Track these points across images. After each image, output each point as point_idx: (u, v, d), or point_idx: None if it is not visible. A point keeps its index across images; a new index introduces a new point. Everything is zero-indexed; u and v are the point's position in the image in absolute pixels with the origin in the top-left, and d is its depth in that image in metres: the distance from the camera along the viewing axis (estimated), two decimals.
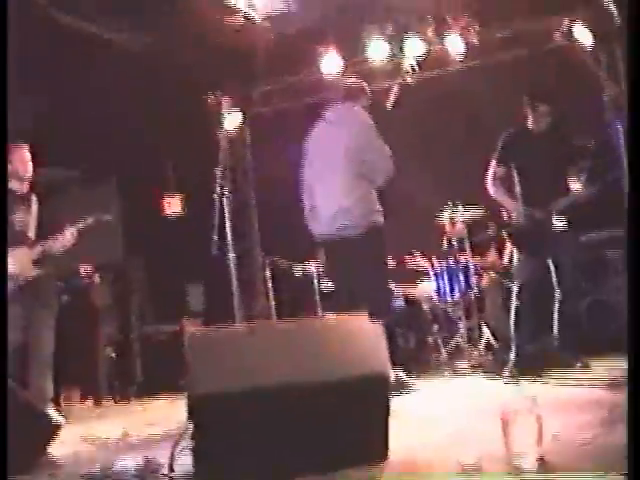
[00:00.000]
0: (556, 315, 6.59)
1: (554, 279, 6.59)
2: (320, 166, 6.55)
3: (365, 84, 7.01)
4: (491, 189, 6.89)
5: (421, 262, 8.83)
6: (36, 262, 6.41)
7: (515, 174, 6.81)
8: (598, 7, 7.70)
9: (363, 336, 4.28)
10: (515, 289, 6.78)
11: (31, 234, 6.48)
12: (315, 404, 3.94)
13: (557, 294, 6.56)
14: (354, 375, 4.06)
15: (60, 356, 6.45)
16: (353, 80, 7.17)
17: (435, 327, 8.27)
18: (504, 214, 6.91)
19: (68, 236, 6.48)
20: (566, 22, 8.34)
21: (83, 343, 8.33)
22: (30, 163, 6.59)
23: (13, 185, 6.46)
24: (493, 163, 6.87)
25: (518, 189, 6.79)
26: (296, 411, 3.92)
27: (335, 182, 6.37)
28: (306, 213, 6.66)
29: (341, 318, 4.71)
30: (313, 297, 8.55)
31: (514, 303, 6.75)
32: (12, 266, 6.13)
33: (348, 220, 6.27)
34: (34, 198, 6.60)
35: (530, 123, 6.79)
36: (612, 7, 7.11)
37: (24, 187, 6.57)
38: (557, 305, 6.57)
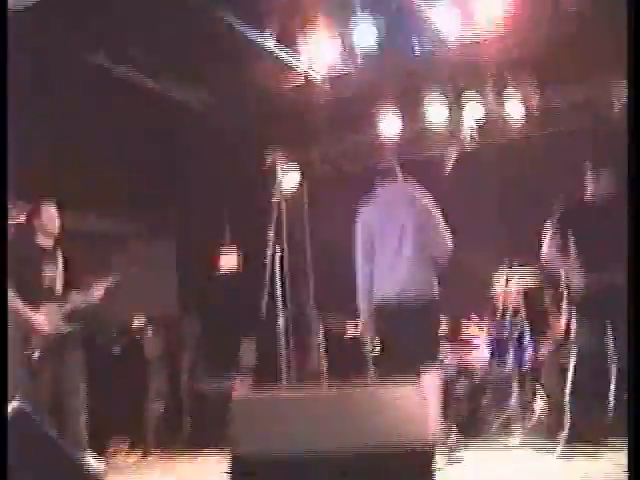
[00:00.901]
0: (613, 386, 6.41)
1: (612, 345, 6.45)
2: (378, 247, 6.49)
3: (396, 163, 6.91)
4: (547, 256, 6.83)
5: (475, 330, 8.72)
6: (67, 317, 6.52)
7: (572, 242, 6.74)
8: None
9: (409, 406, 4.25)
10: (573, 358, 6.66)
11: (59, 288, 6.62)
12: (357, 475, 3.90)
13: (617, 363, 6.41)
14: (398, 446, 4.01)
15: (109, 407, 6.48)
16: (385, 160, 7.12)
17: (487, 398, 8.07)
18: (562, 280, 6.82)
19: (93, 292, 6.61)
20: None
21: (133, 395, 8.37)
22: (57, 219, 6.72)
23: (40, 241, 6.63)
24: (550, 231, 6.82)
25: (575, 255, 6.72)
26: None
27: (398, 267, 6.34)
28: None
29: (388, 387, 4.66)
30: (364, 361, 8.48)
31: (571, 372, 6.64)
32: (43, 323, 6.24)
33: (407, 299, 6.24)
34: (60, 253, 6.73)
35: (589, 192, 6.74)
36: None
37: (51, 242, 6.70)
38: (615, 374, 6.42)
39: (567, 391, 6.60)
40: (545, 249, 6.82)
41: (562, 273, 6.79)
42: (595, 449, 6.19)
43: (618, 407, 6.37)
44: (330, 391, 4.91)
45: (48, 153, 8.07)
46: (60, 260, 6.71)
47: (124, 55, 8.36)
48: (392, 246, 6.36)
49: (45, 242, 6.68)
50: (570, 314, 7.01)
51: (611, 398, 6.46)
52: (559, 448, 6.36)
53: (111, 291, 6.73)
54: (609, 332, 6.51)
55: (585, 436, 6.37)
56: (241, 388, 8.50)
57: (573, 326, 6.86)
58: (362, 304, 6.48)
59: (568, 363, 6.94)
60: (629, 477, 3.20)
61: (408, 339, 6.19)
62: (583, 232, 6.66)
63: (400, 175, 6.75)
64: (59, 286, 6.64)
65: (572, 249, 6.75)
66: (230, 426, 4.06)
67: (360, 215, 6.64)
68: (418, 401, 4.29)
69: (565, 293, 6.86)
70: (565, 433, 6.44)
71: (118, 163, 8.93)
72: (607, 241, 6.41)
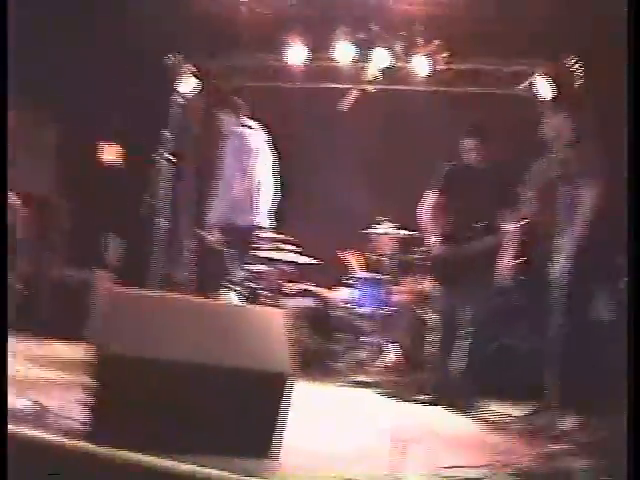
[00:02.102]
0: (462, 352, 6.64)
1: (465, 316, 6.69)
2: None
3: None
4: (423, 216, 7.04)
5: (352, 259, 8.91)
6: None
7: (449, 206, 6.97)
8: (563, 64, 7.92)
9: (269, 330, 4.40)
10: (430, 317, 6.91)
11: None
12: (213, 388, 4.03)
13: (465, 332, 6.65)
14: (255, 367, 4.16)
15: None
16: None
17: (340, 335, 8.28)
18: (428, 242, 7.05)
19: None
20: (530, 72, 8.56)
21: None
22: None
23: None
24: (431, 191, 7.01)
25: (447, 222, 6.95)
26: (194, 390, 4.00)
27: None
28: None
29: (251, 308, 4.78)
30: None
31: (427, 332, 6.90)
32: None
33: None
34: None
35: (469, 159, 6.94)
36: (575, 66, 7.28)
37: None
38: (465, 342, 6.63)
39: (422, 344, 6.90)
40: (423, 208, 7.03)
41: (430, 235, 7.03)
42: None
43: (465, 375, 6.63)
44: (198, 301, 4.98)
45: None
46: None
47: None
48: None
49: None
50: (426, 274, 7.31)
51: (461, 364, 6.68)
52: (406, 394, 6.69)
53: None
54: (460, 301, 6.77)
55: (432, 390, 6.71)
56: (103, 283, 8.47)
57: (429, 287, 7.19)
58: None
59: (424, 319, 7.28)
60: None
61: None
62: (460, 199, 6.88)
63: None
64: None
65: (446, 213, 7.00)
66: (94, 318, 4.09)
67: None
68: (281, 327, 4.45)
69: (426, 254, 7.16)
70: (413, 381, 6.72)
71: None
72: (480, 212, 6.69)
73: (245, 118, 7.51)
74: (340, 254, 8.93)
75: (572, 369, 5.04)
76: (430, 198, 6.98)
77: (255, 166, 7.22)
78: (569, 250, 5.39)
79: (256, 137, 7.46)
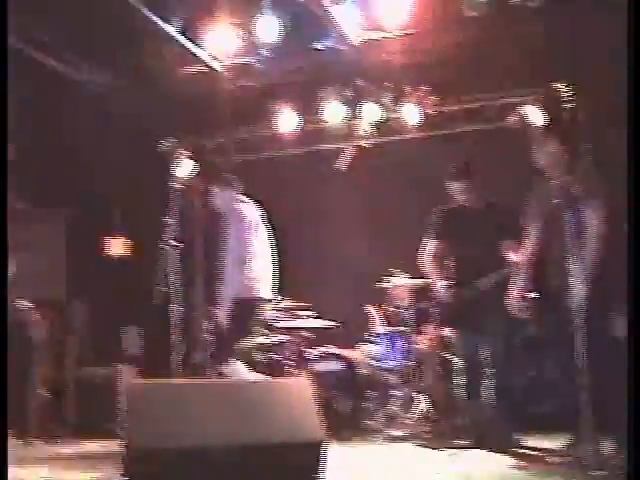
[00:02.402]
0: (489, 391, 6.59)
1: (487, 356, 6.64)
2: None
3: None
4: (425, 264, 7.03)
5: (373, 313, 8.86)
6: None
7: (449, 250, 6.96)
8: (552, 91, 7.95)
9: (296, 400, 4.34)
10: (455, 361, 6.85)
11: None
12: (248, 468, 3.97)
13: (490, 371, 6.60)
14: (287, 440, 4.10)
15: None
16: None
17: (371, 393, 8.21)
18: (435, 289, 7.03)
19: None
20: (521, 102, 8.58)
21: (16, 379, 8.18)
22: None
23: None
24: (428, 238, 7.01)
25: (450, 265, 6.94)
26: (229, 473, 3.95)
27: None
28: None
29: (276, 381, 4.74)
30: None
31: (454, 377, 6.85)
32: None
33: None
34: None
35: (462, 200, 6.93)
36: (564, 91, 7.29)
37: None
38: (491, 381, 6.58)
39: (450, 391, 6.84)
40: (424, 256, 7.03)
41: (435, 282, 7.02)
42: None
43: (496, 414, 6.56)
44: (222, 382, 4.96)
45: None
46: None
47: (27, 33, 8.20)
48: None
49: None
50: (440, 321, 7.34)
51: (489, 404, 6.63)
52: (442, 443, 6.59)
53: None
54: (479, 341, 6.72)
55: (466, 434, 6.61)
56: (126, 376, 8.44)
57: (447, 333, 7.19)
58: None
59: (450, 365, 7.21)
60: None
61: None
62: (459, 241, 6.89)
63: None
64: None
65: (448, 258, 6.99)
66: (122, 414, 4.06)
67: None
68: (309, 395, 4.40)
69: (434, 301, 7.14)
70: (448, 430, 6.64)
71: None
72: (481, 251, 6.65)
73: (239, 193, 7.52)
74: (364, 308, 8.86)
75: (602, 394, 4.96)
76: (429, 245, 6.99)
77: (254, 240, 7.23)
78: (583, 275, 5.32)
79: (251, 211, 7.46)
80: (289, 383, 4.71)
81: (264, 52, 8.82)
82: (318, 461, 4.12)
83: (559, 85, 5.53)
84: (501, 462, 5.91)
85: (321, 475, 4.09)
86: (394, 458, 6.51)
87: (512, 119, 6.82)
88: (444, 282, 6.91)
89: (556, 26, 8.15)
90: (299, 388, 4.44)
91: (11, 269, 6.40)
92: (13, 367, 8.03)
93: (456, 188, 6.85)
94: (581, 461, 5.01)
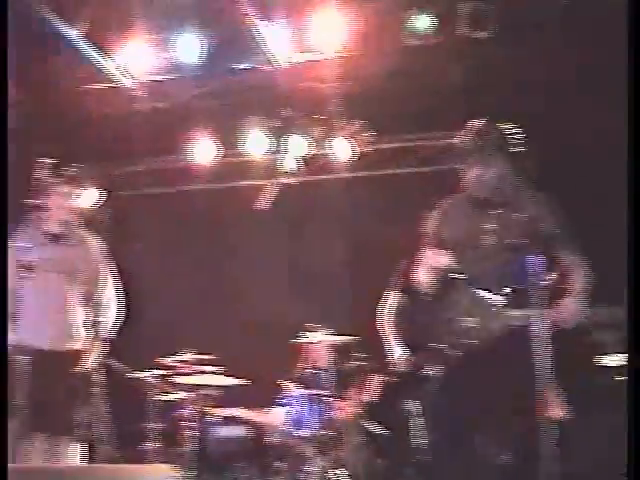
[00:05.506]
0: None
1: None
2: None
3: None
4: (384, 322, 6.18)
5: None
6: None
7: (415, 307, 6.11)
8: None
9: None
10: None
11: None
12: None
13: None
14: None
15: None
16: None
17: (281, 464, 7.20)
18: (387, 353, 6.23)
19: None
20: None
21: None
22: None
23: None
24: (392, 293, 6.17)
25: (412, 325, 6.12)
26: None
27: None
28: None
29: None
30: None
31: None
32: None
33: None
34: None
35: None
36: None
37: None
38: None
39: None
40: (384, 311, 6.23)
41: (390, 345, 6.24)
42: None
43: None
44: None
45: None
46: None
47: None
48: None
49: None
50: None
51: None
52: None
53: None
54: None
55: None
56: None
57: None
58: None
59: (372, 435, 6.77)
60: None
61: None
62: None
63: None
64: None
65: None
66: None
67: None
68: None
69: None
70: None
71: None
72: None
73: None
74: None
75: None
76: (392, 299, 6.14)
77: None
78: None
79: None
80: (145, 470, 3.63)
81: (183, 72, 8.06)
82: None
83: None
84: None
85: None
86: None
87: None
88: (403, 343, 6.07)
89: (506, 59, 7.55)
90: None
91: None
92: None
93: None
94: None
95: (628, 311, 3.52)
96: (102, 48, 7.75)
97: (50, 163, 5.62)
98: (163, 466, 3.50)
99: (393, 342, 6.36)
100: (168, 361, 7.12)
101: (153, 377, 7.15)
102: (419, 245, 5.26)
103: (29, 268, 5.19)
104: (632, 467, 3.18)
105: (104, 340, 5.63)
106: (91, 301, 5.62)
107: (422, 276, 4.67)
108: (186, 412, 7.11)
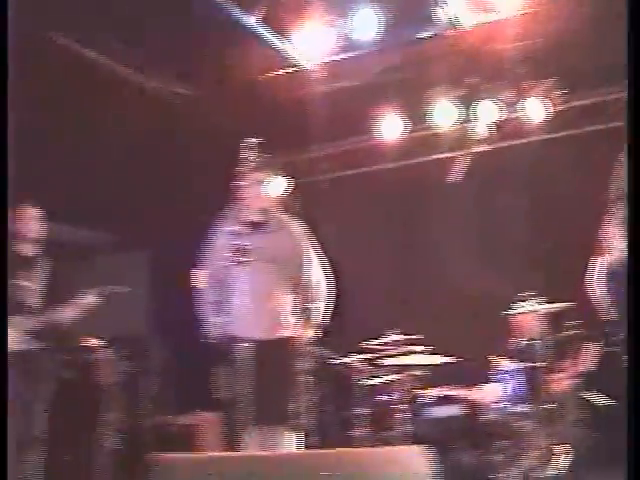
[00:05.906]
0: None
1: None
2: None
3: None
4: (597, 288, 5.72)
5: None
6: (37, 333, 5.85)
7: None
8: None
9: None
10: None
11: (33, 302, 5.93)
12: None
13: None
14: None
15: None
16: None
17: (501, 442, 6.96)
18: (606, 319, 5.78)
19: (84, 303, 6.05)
20: None
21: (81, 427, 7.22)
22: (37, 223, 6.06)
23: (17, 247, 5.91)
24: (603, 257, 5.73)
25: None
26: None
27: None
28: None
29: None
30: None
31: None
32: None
33: None
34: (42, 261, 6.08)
35: None
36: None
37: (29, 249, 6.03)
38: None
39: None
40: (594, 276, 5.77)
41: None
42: None
43: None
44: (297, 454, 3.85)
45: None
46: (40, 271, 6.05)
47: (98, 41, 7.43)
48: None
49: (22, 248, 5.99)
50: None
51: None
52: None
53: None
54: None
55: None
56: (210, 427, 7.37)
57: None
58: None
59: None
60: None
61: None
62: None
63: None
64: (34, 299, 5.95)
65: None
66: None
67: None
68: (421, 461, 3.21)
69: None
70: None
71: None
72: None
73: None
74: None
75: None
76: (605, 264, 5.71)
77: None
78: None
79: None
80: (394, 452, 3.46)
81: (362, 48, 7.82)
82: None
83: None
84: None
85: None
86: None
87: None
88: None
89: None
90: (409, 460, 3.19)
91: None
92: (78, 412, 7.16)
93: None
94: None
95: (628, 311, 3.57)
96: (280, 32, 7.64)
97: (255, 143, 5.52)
98: (414, 447, 3.34)
99: (605, 306, 5.94)
100: (374, 343, 6.99)
101: (359, 361, 7.08)
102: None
103: (244, 252, 5.10)
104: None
105: (316, 326, 5.49)
106: (299, 286, 5.49)
107: None
108: (396, 394, 7.00)
